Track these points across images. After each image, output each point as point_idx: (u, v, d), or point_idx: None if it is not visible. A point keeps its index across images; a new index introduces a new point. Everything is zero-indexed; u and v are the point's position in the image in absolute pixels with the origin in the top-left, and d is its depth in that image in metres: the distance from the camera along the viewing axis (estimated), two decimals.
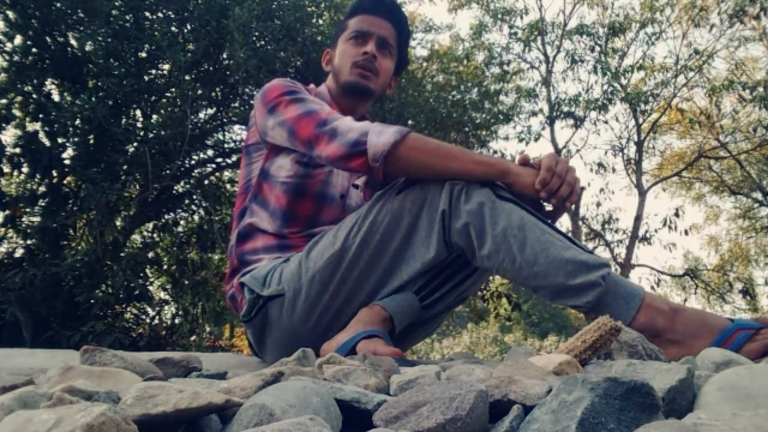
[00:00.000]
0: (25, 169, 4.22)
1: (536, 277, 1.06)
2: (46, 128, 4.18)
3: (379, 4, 1.45)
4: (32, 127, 4.21)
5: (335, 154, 1.19)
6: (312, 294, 1.19)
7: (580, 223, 8.91)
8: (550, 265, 1.05)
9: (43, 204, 4.32)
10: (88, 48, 4.05)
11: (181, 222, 5.25)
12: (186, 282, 4.98)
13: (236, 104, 4.71)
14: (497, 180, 1.14)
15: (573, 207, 8.77)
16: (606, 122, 8.91)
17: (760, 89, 7.67)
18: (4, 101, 4.10)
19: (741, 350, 0.95)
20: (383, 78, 1.46)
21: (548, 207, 1.20)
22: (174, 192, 4.87)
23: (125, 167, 4.25)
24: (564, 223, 9.49)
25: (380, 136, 1.16)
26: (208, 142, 5.05)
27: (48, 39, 4.15)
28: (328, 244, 1.20)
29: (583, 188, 8.89)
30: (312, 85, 1.47)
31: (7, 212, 4.23)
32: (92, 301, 3.94)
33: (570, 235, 1.14)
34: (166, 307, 5.17)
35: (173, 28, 4.29)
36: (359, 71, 1.41)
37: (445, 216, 1.12)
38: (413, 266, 1.16)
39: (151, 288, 4.89)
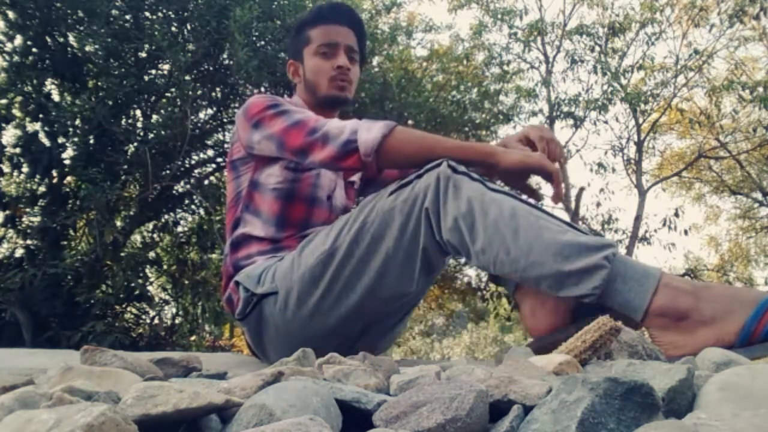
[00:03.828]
0: (25, 169, 4.21)
1: (534, 267, 1.00)
2: (46, 128, 4.17)
3: (338, 12, 1.48)
4: (32, 127, 4.21)
5: (329, 156, 1.21)
6: (303, 292, 1.19)
7: (580, 223, 8.91)
8: (547, 250, 0.98)
9: (43, 204, 4.31)
10: (88, 48, 4.04)
11: (181, 222, 5.25)
12: (186, 282, 4.98)
13: (236, 104, 4.71)
14: (484, 161, 1.15)
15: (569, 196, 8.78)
16: (606, 122, 8.90)
17: (760, 89, 7.66)
18: (4, 101, 4.09)
19: None
20: (356, 85, 1.50)
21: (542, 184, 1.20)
22: (174, 192, 4.87)
23: (125, 167, 4.25)
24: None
25: (369, 131, 1.19)
26: (208, 142, 5.05)
27: (48, 39, 4.15)
28: (320, 243, 1.21)
29: (582, 188, 8.90)
30: (285, 97, 1.50)
31: (7, 212, 4.23)
32: (92, 301, 3.94)
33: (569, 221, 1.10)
34: (166, 307, 5.17)
35: (173, 28, 4.28)
36: (337, 84, 1.43)
37: (430, 213, 1.11)
38: (412, 267, 1.15)
39: (151, 288, 4.89)
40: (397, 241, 1.15)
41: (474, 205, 1.06)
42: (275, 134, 1.29)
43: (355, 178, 1.48)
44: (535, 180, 1.28)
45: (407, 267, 1.15)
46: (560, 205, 9.15)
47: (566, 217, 8.64)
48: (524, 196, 1.14)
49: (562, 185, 1.14)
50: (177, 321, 5.09)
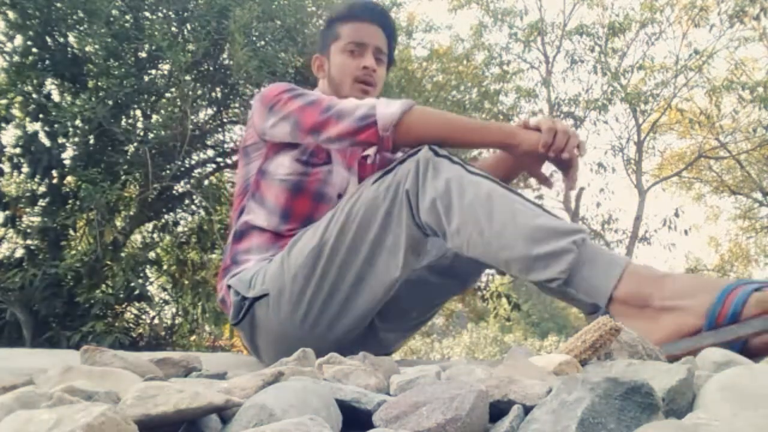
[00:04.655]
0: (25, 169, 4.21)
1: (505, 249, 1.01)
2: (46, 128, 4.18)
3: (371, 11, 1.46)
4: (32, 127, 4.21)
5: (345, 130, 1.21)
6: (295, 291, 1.19)
7: (580, 223, 8.91)
8: (519, 233, 1.00)
9: (43, 204, 4.31)
10: (88, 48, 4.04)
11: (181, 222, 5.25)
12: (186, 282, 4.98)
13: (236, 104, 4.71)
14: (504, 141, 1.15)
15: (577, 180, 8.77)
16: (606, 122, 8.91)
17: (760, 89, 7.67)
18: (4, 101, 4.10)
19: (747, 303, 0.87)
20: (380, 87, 1.48)
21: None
22: (174, 192, 4.87)
23: (125, 167, 4.25)
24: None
25: (388, 107, 1.19)
26: (208, 142, 5.05)
27: (48, 39, 4.15)
28: (308, 240, 1.20)
29: (582, 188, 8.90)
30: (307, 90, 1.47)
31: (7, 212, 4.23)
32: (92, 301, 3.94)
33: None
34: (166, 307, 5.17)
35: (173, 28, 4.28)
36: (361, 86, 1.42)
37: (410, 195, 1.11)
38: (397, 253, 1.15)
39: (151, 288, 4.89)
40: (383, 227, 1.15)
41: (452, 186, 1.07)
42: (291, 114, 1.27)
43: (370, 152, 1.44)
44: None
45: (393, 253, 1.15)
46: (560, 204, 9.16)
47: (566, 217, 8.63)
48: (520, 189, 1.14)
49: (576, 174, 1.15)
50: (177, 321, 5.09)
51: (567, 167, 1.16)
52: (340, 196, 1.38)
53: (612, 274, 0.96)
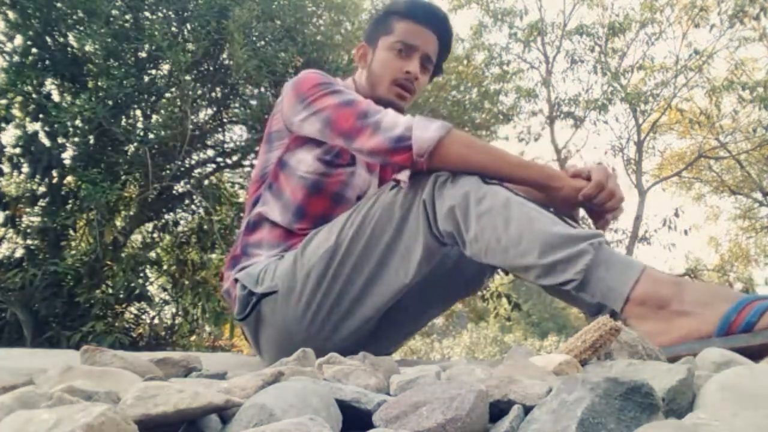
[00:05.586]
0: (25, 169, 4.22)
1: (524, 255, 1.01)
2: (46, 128, 4.18)
3: (431, 15, 1.39)
4: (32, 127, 4.21)
5: (378, 147, 1.17)
6: (306, 291, 1.18)
7: (580, 222, 8.90)
8: (536, 240, 1.00)
9: (43, 204, 4.31)
10: (88, 48, 4.05)
11: (181, 222, 5.25)
12: (186, 282, 4.98)
13: (236, 104, 4.71)
14: (547, 183, 1.13)
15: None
16: (606, 122, 8.93)
17: (760, 89, 7.67)
18: (4, 101, 4.10)
19: (763, 315, 0.87)
20: (417, 95, 1.43)
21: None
22: (174, 192, 4.87)
23: (125, 167, 4.26)
24: None
25: (425, 131, 1.14)
26: (208, 142, 5.05)
27: (48, 39, 4.15)
28: (323, 239, 1.20)
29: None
30: (339, 79, 1.42)
31: (7, 212, 4.23)
32: (92, 301, 3.94)
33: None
34: (166, 307, 5.17)
35: (173, 28, 4.29)
36: (398, 91, 1.37)
37: (426, 204, 1.11)
38: (409, 259, 1.15)
39: (151, 288, 4.89)
40: (396, 233, 1.14)
41: (470, 194, 1.07)
42: (324, 111, 1.23)
43: (404, 177, 1.45)
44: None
45: (405, 259, 1.15)
46: None
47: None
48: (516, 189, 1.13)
49: (607, 226, 1.15)
50: (177, 321, 5.09)
51: (597, 219, 1.16)
52: (359, 198, 1.36)
53: (630, 275, 0.95)
